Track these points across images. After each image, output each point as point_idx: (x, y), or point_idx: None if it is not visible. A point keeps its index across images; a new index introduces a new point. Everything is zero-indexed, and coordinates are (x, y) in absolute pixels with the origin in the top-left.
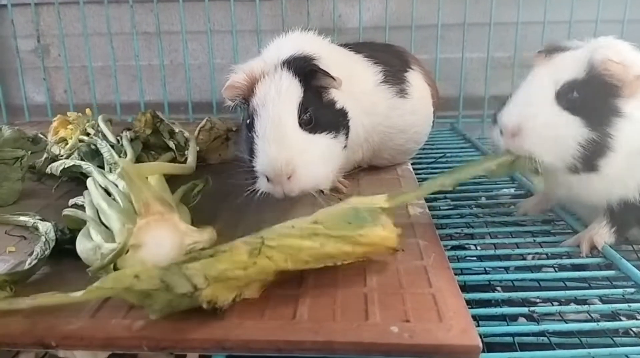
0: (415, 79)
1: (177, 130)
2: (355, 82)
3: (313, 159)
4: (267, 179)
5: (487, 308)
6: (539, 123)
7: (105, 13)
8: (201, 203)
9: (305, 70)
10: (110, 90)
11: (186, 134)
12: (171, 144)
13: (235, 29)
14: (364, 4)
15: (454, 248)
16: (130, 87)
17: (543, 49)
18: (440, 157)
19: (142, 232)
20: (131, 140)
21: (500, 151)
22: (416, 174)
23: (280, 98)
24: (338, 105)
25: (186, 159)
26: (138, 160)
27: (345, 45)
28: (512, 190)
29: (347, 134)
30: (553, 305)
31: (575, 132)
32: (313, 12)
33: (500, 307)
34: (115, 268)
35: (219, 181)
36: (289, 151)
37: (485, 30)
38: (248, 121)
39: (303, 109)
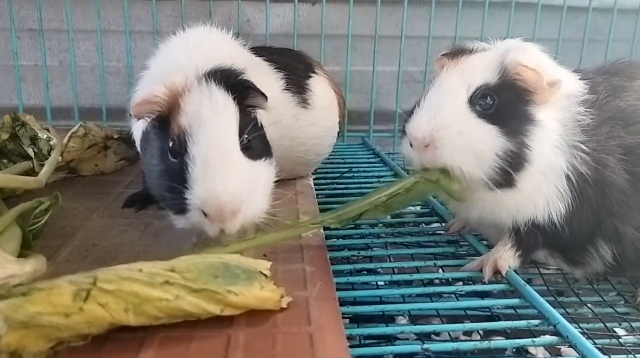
0: (318, 85)
1: (43, 136)
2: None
3: (258, 191)
4: (204, 214)
5: (376, 348)
6: (452, 132)
7: None
8: (56, 222)
9: (238, 87)
10: None
11: (53, 141)
12: (30, 152)
13: (132, 29)
14: (274, 9)
15: (349, 273)
16: (13, 89)
17: (447, 51)
18: (346, 172)
19: None
20: None
21: (413, 165)
22: (319, 189)
23: (219, 118)
24: (260, 124)
25: None
26: None
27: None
28: (418, 208)
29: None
30: (452, 338)
31: (492, 142)
32: (220, 16)
33: (393, 344)
34: None
35: (88, 195)
36: (237, 184)
37: (398, 43)
38: (171, 144)
39: (241, 132)
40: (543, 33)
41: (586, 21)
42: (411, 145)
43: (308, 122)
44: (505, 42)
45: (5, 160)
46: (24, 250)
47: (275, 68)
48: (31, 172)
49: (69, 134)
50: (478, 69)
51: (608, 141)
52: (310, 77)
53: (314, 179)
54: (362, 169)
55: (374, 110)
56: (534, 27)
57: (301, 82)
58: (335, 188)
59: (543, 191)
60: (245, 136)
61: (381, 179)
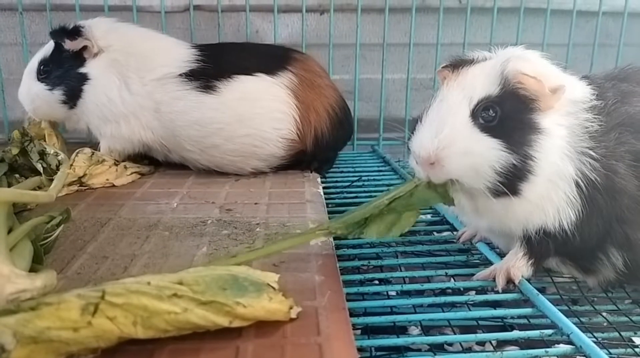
0: (259, 85)
1: (51, 151)
2: (136, 64)
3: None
4: None
5: None
6: (456, 150)
7: None
8: (67, 235)
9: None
10: None
11: (60, 156)
12: (39, 167)
13: None
14: (282, 19)
15: (359, 283)
16: None
17: (448, 62)
18: (356, 181)
19: None
20: None
21: (420, 180)
22: (329, 198)
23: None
24: (82, 70)
25: None
26: None
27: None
28: (428, 216)
29: (72, 93)
30: (464, 349)
31: (496, 156)
32: (229, 27)
33: (404, 355)
34: None
35: (99, 208)
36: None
37: (406, 51)
38: None
39: (42, 64)
40: (553, 38)
41: (596, 25)
42: (417, 161)
43: (208, 105)
44: (505, 50)
45: (17, 175)
46: (35, 265)
47: (196, 59)
48: (43, 187)
49: (76, 151)
50: (479, 81)
51: (617, 147)
52: (255, 75)
53: (323, 188)
54: (372, 178)
55: (384, 118)
56: (543, 32)
57: (223, 74)
58: (345, 197)
59: (552, 199)
60: (42, 66)
61: (391, 188)
